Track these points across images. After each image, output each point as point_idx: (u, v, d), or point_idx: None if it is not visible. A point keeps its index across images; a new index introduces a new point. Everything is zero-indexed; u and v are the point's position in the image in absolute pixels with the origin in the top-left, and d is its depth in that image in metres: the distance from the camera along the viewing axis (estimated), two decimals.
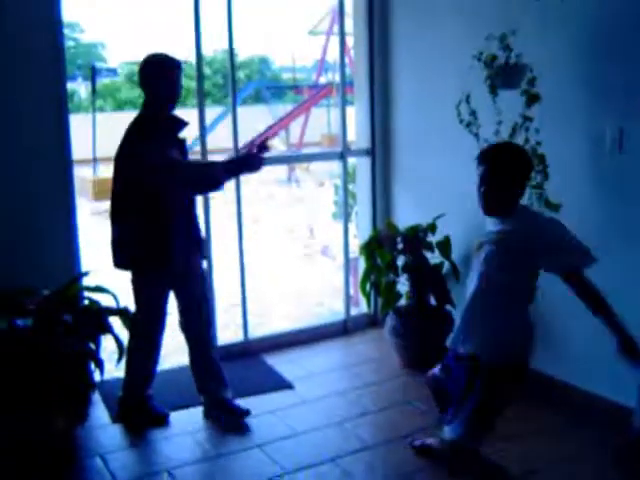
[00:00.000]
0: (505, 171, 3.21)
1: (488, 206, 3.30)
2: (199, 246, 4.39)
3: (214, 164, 4.29)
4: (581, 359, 4.49)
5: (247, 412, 4.45)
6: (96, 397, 4.59)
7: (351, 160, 6.19)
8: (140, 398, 4.47)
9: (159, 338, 4.47)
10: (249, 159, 4.24)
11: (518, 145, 3.45)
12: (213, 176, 4.17)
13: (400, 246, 5.24)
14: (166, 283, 4.31)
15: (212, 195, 5.06)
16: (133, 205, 4.11)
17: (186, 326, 4.44)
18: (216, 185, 4.17)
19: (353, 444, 4.17)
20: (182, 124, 4.26)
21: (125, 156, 4.14)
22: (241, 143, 5.38)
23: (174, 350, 6.03)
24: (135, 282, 4.32)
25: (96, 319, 4.20)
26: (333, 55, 19.15)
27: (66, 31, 5.32)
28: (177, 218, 4.16)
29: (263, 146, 4.24)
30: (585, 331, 4.45)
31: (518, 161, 3.23)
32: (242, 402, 4.55)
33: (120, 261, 4.25)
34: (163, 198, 4.07)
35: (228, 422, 4.40)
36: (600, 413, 4.29)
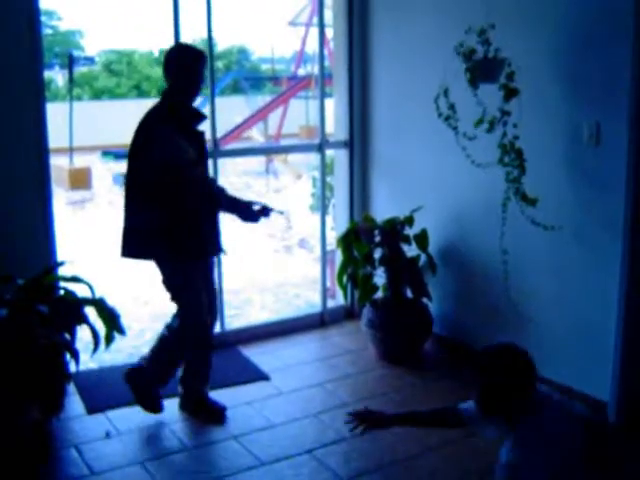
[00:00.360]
0: (493, 380, 2.92)
1: (484, 411, 3.00)
2: (217, 240, 4.36)
3: (219, 188, 4.30)
4: (553, 350, 4.52)
5: (224, 409, 4.44)
6: (71, 388, 4.57)
7: (329, 152, 6.19)
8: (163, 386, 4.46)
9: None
10: (248, 211, 4.22)
11: (515, 350, 3.04)
12: (212, 198, 4.18)
13: (377, 239, 5.25)
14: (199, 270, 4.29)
15: None
16: (155, 194, 4.03)
17: None
18: (210, 206, 4.18)
19: (329, 436, 4.18)
20: (201, 117, 4.25)
21: (142, 144, 4.09)
22: (219, 133, 5.36)
23: (147, 342, 6.02)
24: (176, 272, 4.24)
25: (72, 309, 4.18)
26: (312, 47, 19.14)
27: (43, 19, 5.28)
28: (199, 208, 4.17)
29: (265, 212, 4.24)
30: (556, 321, 4.50)
31: (507, 371, 2.92)
32: (218, 393, 4.55)
33: (143, 251, 4.18)
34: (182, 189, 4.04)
35: (205, 417, 4.39)
36: (569, 405, 4.32)
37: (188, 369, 4.44)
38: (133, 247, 4.16)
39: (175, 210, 4.04)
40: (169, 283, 4.27)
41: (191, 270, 4.21)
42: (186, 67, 4.11)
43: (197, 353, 4.39)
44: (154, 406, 4.40)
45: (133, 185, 4.13)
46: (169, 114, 4.10)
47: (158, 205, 4.03)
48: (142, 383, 4.38)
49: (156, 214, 4.04)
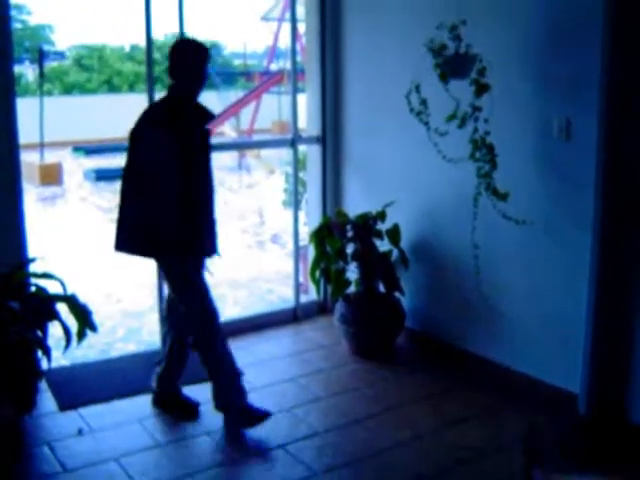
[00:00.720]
0: None
1: None
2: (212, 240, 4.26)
3: (211, 220, 4.19)
4: (524, 344, 4.56)
5: (197, 405, 4.44)
6: (43, 385, 4.54)
7: (302, 147, 6.19)
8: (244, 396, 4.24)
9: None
10: (211, 249, 4.19)
11: None
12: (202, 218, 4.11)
13: (350, 234, 5.26)
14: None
15: None
16: (158, 189, 3.98)
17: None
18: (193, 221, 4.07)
19: (302, 430, 4.18)
20: (209, 116, 4.19)
21: (138, 143, 4.02)
22: None
23: (119, 338, 6.02)
24: (177, 267, 4.14)
25: (43, 306, 4.15)
26: (285, 42, 19.13)
27: (13, 13, 5.23)
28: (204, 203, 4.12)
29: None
30: (527, 314, 4.54)
31: None
32: (191, 389, 4.53)
33: (148, 247, 4.08)
34: (189, 184, 3.99)
35: (178, 413, 4.39)
36: (541, 397, 4.37)
37: (169, 367, 4.43)
38: (129, 242, 4.08)
39: (169, 208, 3.98)
40: (170, 279, 4.20)
41: (188, 266, 4.15)
42: (191, 62, 4.04)
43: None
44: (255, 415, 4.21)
45: (131, 180, 4.07)
46: (172, 113, 4.03)
47: (153, 201, 3.98)
48: (234, 409, 4.23)
49: (152, 210, 3.99)
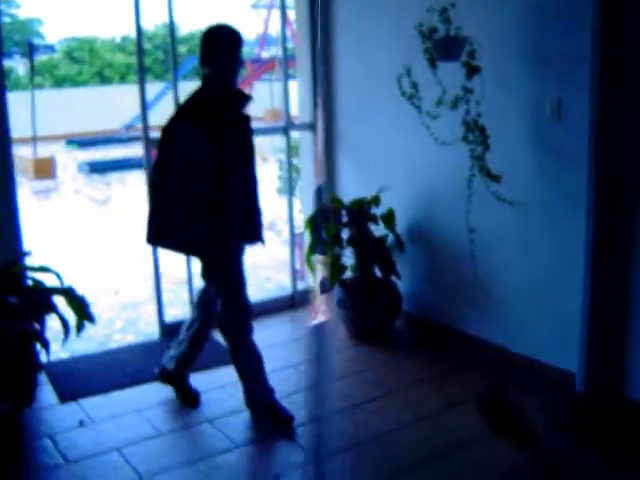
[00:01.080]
0: None
1: None
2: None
3: (256, 208, 4.16)
4: (521, 324, 4.58)
5: (198, 393, 4.46)
6: (43, 378, 4.55)
7: (294, 134, 6.18)
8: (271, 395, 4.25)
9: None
10: (256, 236, 4.20)
11: None
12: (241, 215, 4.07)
13: (345, 219, 5.27)
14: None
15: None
16: (192, 183, 3.86)
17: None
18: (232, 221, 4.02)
19: (303, 416, 4.19)
20: (246, 99, 4.09)
21: (174, 140, 3.91)
22: None
23: (117, 330, 6.02)
24: (215, 261, 4.07)
25: (40, 299, 4.16)
26: (276, 29, 19.08)
27: (2, 7, 5.20)
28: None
29: None
30: (523, 295, 4.55)
31: None
32: (192, 377, 4.55)
33: (188, 244, 4.02)
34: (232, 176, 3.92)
35: (181, 399, 4.41)
36: (539, 377, 4.40)
37: (188, 353, 4.42)
38: (158, 236, 3.99)
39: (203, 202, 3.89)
40: (209, 273, 4.12)
41: (228, 260, 4.09)
42: (223, 49, 3.94)
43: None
44: (283, 421, 4.15)
45: (163, 174, 3.95)
46: (208, 104, 3.92)
47: (185, 197, 3.87)
48: (261, 407, 4.20)
49: (183, 204, 3.88)
